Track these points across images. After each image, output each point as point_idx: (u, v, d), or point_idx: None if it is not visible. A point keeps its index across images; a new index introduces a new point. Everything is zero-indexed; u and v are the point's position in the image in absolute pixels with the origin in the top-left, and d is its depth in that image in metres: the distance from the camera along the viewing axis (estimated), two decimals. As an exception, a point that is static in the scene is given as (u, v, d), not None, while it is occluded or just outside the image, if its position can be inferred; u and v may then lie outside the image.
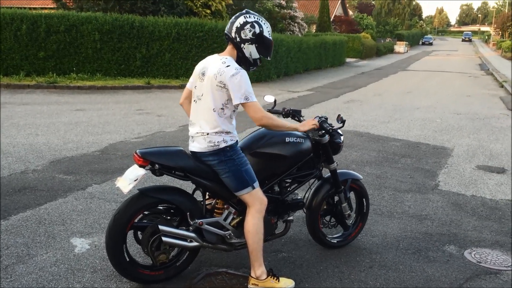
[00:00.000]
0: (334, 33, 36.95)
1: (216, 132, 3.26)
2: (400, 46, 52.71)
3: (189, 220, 3.35)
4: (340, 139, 3.95)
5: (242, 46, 3.25)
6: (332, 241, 4.13)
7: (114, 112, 10.42)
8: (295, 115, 3.90)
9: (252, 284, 3.38)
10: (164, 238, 3.28)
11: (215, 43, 16.18)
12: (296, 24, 27.79)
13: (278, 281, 3.41)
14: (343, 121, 3.89)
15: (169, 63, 16.17)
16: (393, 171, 6.64)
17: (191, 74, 3.50)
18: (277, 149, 3.59)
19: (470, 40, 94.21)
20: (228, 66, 3.17)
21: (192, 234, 3.36)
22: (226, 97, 3.21)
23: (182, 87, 14.88)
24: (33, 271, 3.55)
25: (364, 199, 4.25)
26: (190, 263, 3.56)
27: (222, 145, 3.28)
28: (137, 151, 3.24)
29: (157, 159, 3.24)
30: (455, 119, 11.31)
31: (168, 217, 3.43)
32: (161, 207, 3.43)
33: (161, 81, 15.54)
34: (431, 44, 75.78)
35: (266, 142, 3.59)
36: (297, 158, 3.69)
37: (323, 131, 3.75)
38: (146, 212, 3.36)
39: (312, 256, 4.00)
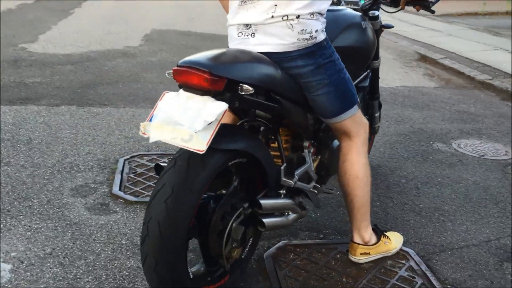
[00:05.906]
0: None
1: (311, 14, 1.80)
2: None
3: (283, 179, 1.87)
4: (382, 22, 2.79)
5: None
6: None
7: None
8: None
9: (362, 254, 2.17)
10: (266, 220, 1.78)
11: None
12: None
13: (390, 239, 2.28)
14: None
15: None
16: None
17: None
18: (357, 40, 2.30)
19: None
20: None
21: (290, 201, 1.94)
22: None
23: None
24: None
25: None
26: (254, 250, 2.08)
27: (321, 36, 1.86)
28: (192, 61, 1.57)
29: (240, 74, 1.63)
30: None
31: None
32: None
33: None
34: None
35: (344, 32, 2.23)
36: (371, 52, 2.47)
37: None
38: None
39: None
